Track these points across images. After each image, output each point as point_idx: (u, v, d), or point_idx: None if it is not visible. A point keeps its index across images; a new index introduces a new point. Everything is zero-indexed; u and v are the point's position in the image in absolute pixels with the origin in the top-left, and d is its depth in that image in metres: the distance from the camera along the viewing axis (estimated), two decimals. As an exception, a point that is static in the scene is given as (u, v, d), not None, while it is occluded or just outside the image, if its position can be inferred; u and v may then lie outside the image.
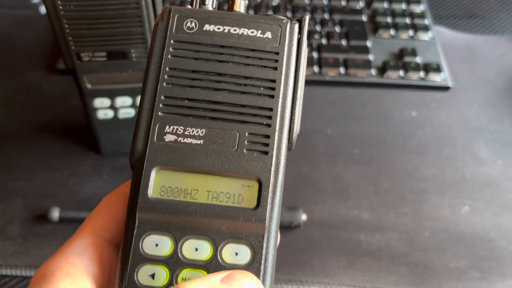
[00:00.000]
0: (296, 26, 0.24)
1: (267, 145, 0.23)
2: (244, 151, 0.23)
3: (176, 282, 0.21)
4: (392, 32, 0.62)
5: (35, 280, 0.21)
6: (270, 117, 0.23)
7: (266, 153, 0.23)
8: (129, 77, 0.42)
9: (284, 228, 0.44)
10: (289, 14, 0.64)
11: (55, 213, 0.44)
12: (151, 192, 0.22)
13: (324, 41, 0.61)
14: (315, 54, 0.59)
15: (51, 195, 0.47)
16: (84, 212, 0.45)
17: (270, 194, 0.22)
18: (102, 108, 0.45)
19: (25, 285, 0.41)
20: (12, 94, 0.56)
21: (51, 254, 0.42)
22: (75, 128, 0.52)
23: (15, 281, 0.41)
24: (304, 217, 0.45)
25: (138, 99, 0.44)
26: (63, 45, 0.38)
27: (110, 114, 0.45)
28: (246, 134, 0.23)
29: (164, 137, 0.23)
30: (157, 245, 0.22)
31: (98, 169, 0.49)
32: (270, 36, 0.24)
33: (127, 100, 0.44)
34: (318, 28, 0.62)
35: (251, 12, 0.64)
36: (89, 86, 0.42)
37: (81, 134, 0.51)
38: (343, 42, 0.61)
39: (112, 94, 0.44)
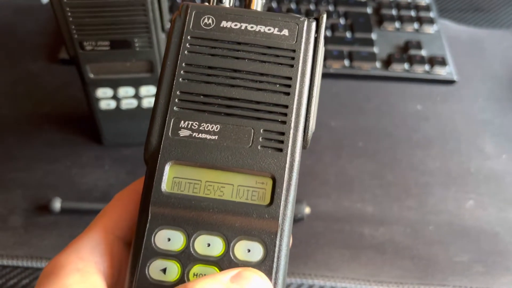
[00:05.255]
0: (314, 24, 0.24)
1: (282, 142, 0.22)
2: (259, 147, 0.22)
3: (188, 278, 0.21)
4: (397, 24, 0.62)
5: (45, 274, 0.21)
6: (285, 114, 0.23)
7: (280, 150, 0.22)
8: (132, 67, 0.42)
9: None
10: (293, 6, 0.63)
11: (57, 204, 0.44)
12: (165, 186, 0.22)
13: (328, 33, 0.60)
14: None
15: (52, 185, 0.46)
16: (86, 203, 0.44)
17: (284, 191, 0.22)
18: (105, 98, 0.44)
19: (27, 276, 0.41)
20: (13, 84, 0.56)
21: (52, 245, 0.42)
22: (77, 119, 0.52)
23: (17, 271, 0.41)
24: (307, 210, 0.44)
25: (141, 89, 0.44)
26: (66, 33, 0.38)
27: (112, 104, 0.45)
28: (261, 130, 0.23)
29: (179, 132, 0.22)
30: (169, 239, 0.22)
31: (100, 160, 0.49)
32: (287, 34, 0.24)
33: (130, 91, 0.44)
34: (322, 20, 0.62)
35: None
36: (91, 75, 0.42)
37: (83, 125, 0.51)
38: (348, 35, 0.60)
39: (114, 84, 0.43)
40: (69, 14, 0.36)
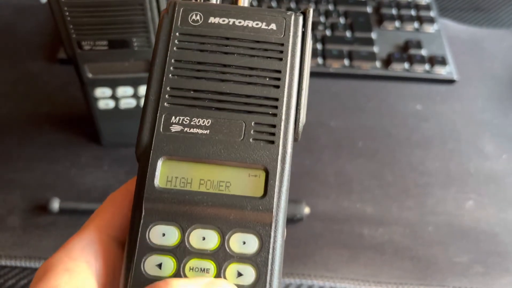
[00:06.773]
0: (301, 18, 0.24)
1: (273, 134, 0.23)
2: (251, 140, 0.23)
3: (184, 272, 0.21)
4: (397, 24, 0.62)
5: (38, 276, 0.21)
6: (276, 107, 0.23)
7: (272, 142, 0.23)
8: (130, 66, 0.41)
9: (287, 221, 0.44)
10: (293, 5, 0.63)
11: (55, 204, 0.44)
12: (158, 182, 0.22)
13: (328, 32, 0.60)
14: (319, 46, 0.58)
15: (51, 186, 0.46)
16: (85, 203, 0.44)
17: (277, 183, 0.22)
18: (103, 98, 0.44)
19: (25, 276, 0.41)
20: (12, 84, 0.56)
21: (51, 245, 0.42)
22: (75, 119, 0.52)
23: (15, 272, 0.41)
24: (307, 210, 0.44)
25: (140, 89, 0.44)
26: (64, 33, 0.38)
27: (111, 104, 0.45)
28: (252, 123, 0.23)
29: (170, 127, 0.23)
30: (164, 234, 0.22)
31: (99, 160, 0.49)
32: (275, 28, 0.24)
33: (129, 90, 0.44)
34: (322, 19, 0.61)
35: (255, 4, 0.63)
36: (90, 75, 0.42)
37: (82, 125, 0.51)
38: (348, 34, 0.60)
39: (113, 84, 0.43)
40: (67, 13, 0.36)
